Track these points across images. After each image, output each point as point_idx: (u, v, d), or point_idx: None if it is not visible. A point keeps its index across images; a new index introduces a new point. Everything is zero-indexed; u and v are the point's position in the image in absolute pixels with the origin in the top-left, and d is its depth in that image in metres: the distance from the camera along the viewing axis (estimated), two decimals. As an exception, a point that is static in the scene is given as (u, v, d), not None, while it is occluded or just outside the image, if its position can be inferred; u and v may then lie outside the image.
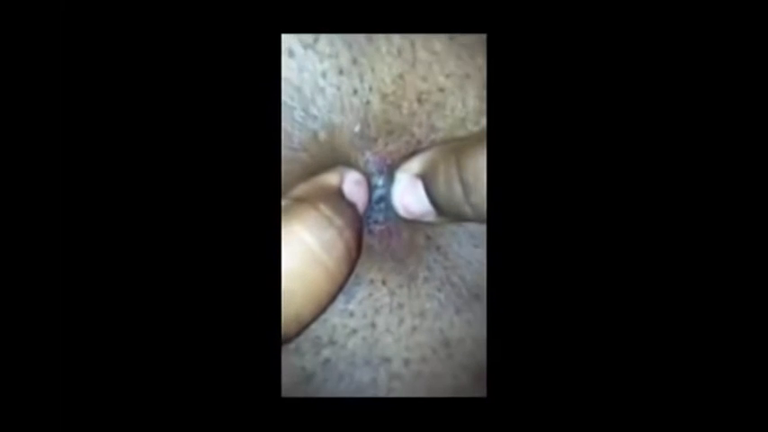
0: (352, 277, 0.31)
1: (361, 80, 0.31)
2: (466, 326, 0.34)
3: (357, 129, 0.31)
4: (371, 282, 0.33)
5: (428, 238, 0.34)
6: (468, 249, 0.34)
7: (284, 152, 0.30)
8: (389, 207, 0.33)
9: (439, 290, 0.34)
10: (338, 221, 0.27)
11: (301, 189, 0.30)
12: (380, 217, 0.33)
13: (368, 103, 0.31)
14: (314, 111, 0.30)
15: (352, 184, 0.31)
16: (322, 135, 0.31)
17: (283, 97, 0.29)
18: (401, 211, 0.33)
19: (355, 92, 0.31)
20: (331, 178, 0.30)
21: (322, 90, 0.30)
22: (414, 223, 0.33)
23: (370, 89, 0.31)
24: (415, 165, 0.31)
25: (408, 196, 0.32)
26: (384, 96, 0.31)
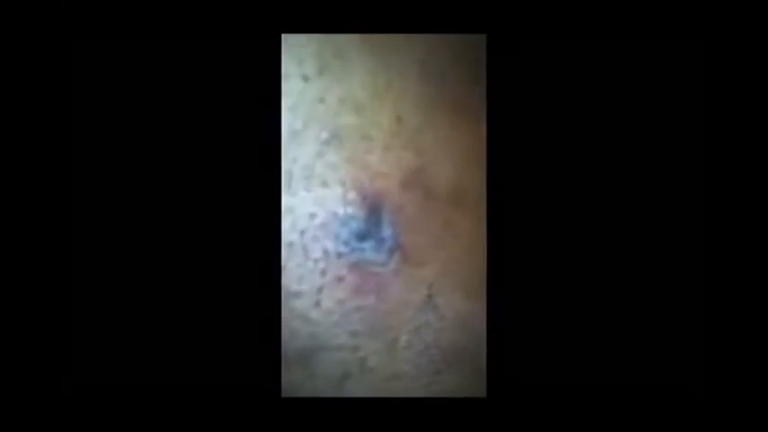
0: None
1: (329, 90, 0.29)
2: (446, 383, 0.30)
3: (324, 136, 0.28)
4: (338, 348, 0.29)
5: (429, 296, 0.29)
6: (469, 306, 0.29)
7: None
8: (381, 245, 0.29)
9: (421, 355, 0.30)
10: None
11: None
12: (367, 257, 0.29)
13: (337, 113, 0.28)
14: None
15: None
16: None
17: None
18: None
19: (322, 100, 0.29)
20: None
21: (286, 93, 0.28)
22: (416, 268, 0.29)
23: (341, 101, 0.29)
24: None
25: None
26: (359, 109, 0.29)
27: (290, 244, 0.28)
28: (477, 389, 0.30)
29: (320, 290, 0.28)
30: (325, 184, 0.28)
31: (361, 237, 0.29)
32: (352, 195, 0.28)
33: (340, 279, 0.28)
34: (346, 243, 0.28)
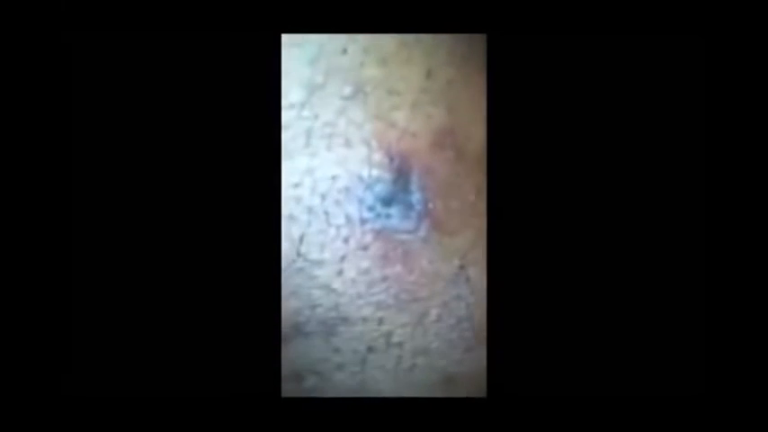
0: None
1: (353, 40, 0.27)
2: (477, 361, 0.29)
3: (348, 91, 0.27)
4: (363, 320, 0.28)
5: (461, 267, 0.28)
6: None
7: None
8: (409, 210, 0.28)
9: (451, 330, 0.29)
10: None
11: None
12: (393, 223, 0.28)
13: (362, 65, 0.27)
14: (286, 67, 0.27)
15: None
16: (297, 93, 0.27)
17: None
18: None
19: (344, 51, 0.27)
20: None
21: (299, 44, 0.27)
22: (447, 237, 0.28)
23: (365, 50, 0.27)
24: None
25: None
26: (385, 61, 0.27)
27: (311, 209, 0.27)
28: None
29: (343, 258, 0.27)
30: (348, 143, 0.27)
31: (387, 201, 0.27)
32: (377, 156, 0.27)
33: (364, 247, 0.27)
34: (371, 208, 0.27)
